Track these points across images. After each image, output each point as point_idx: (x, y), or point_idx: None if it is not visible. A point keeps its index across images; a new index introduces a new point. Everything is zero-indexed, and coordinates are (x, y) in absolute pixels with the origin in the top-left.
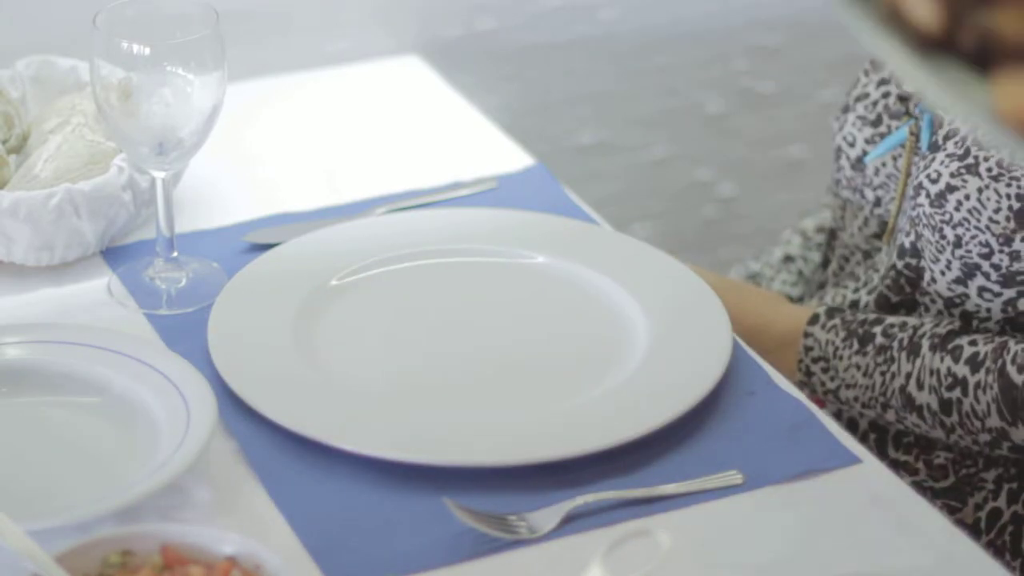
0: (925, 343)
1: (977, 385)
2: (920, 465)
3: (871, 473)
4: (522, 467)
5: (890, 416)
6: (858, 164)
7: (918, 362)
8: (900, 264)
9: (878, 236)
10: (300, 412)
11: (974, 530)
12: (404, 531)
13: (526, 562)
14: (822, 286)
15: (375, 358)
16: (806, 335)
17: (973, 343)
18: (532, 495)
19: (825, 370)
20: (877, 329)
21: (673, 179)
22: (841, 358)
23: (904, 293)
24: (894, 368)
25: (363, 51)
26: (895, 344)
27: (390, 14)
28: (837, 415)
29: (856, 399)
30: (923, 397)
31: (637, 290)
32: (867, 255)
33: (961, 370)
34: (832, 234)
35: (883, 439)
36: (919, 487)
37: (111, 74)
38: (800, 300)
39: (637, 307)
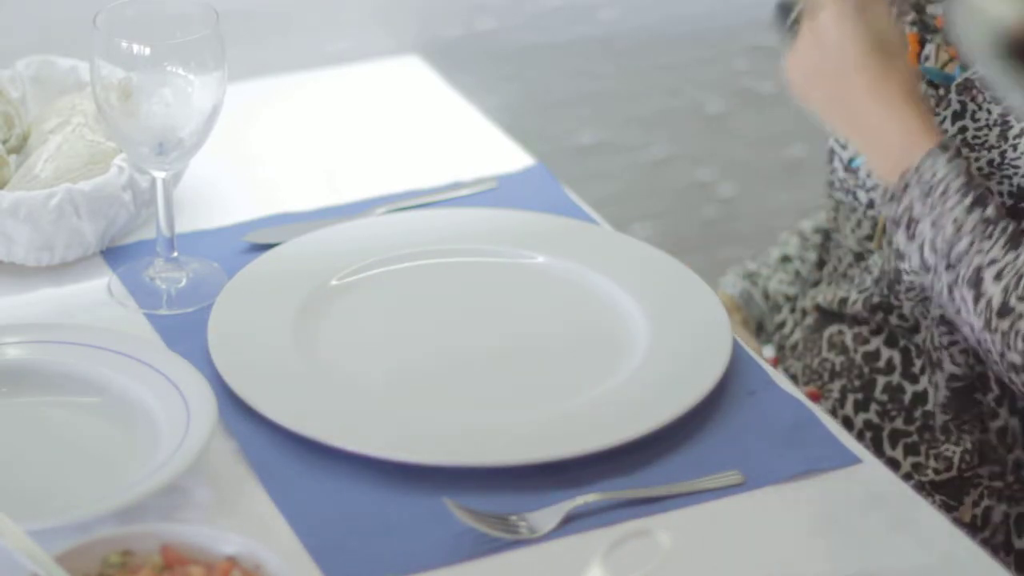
0: None
1: None
2: (910, 469)
3: (871, 473)
4: (522, 467)
5: (945, 278)
6: (850, 166)
7: (1010, 256)
8: (888, 267)
9: (871, 238)
10: (300, 412)
11: (971, 527)
12: (404, 531)
13: (526, 562)
14: (816, 285)
15: (375, 358)
16: (929, 155)
17: None
18: (532, 495)
19: (924, 195)
20: (992, 201)
21: (673, 179)
22: (946, 200)
23: (883, 295)
24: (986, 245)
25: (363, 51)
26: (1000, 226)
27: (390, 14)
28: (832, 412)
29: (932, 242)
30: (991, 288)
31: (637, 290)
32: (859, 257)
33: None
34: (827, 235)
35: (879, 438)
36: (917, 481)
37: (111, 74)
38: (795, 299)
39: (637, 307)
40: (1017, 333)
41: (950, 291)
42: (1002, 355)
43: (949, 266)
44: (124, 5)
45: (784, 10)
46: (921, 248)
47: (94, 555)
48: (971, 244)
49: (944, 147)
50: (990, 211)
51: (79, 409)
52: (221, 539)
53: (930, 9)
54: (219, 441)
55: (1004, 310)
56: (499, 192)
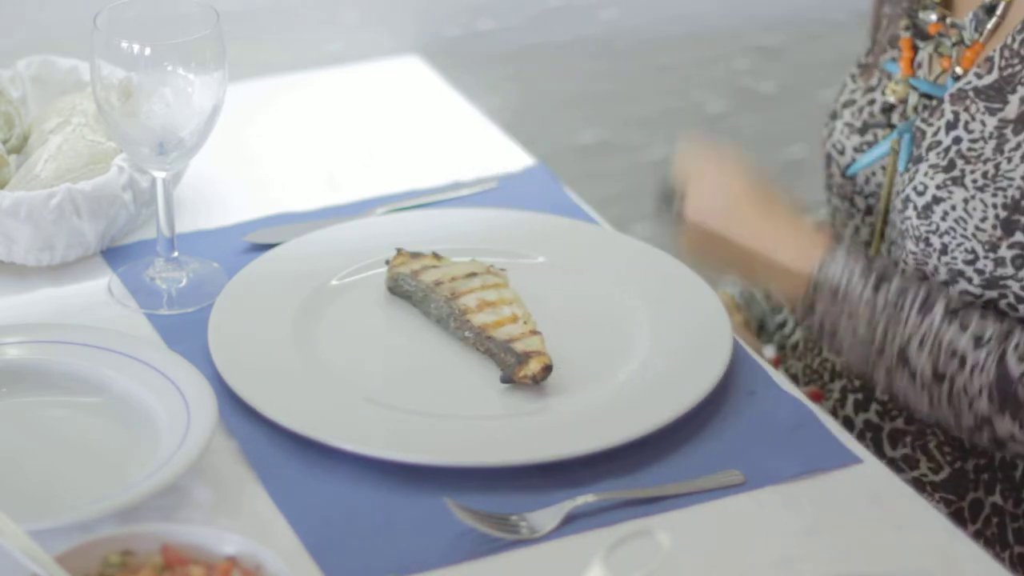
0: (940, 305)
1: (975, 366)
2: (920, 456)
3: (871, 473)
4: (522, 467)
5: (883, 365)
6: (847, 174)
7: (926, 322)
8: None
9: (869, 244)
10: (300, 412)
11: (959, 520)
12: (404, 531)
13: (526, 562)
14: None
15: (375, 358)
16: (827, 253)
17: (983, 317)
18: (532, 495)
19: (833, 293)
20: (895, 272)
21: None
22: (851, 289)
23: None
24: (903, 316)
25: (363, 51)
26: (910, 296)
27: (390, 14)
28: (833, 412)
29: (855, 332)
30: (920, 360)
31: (637, 290)
32: None
33: (964, 345)
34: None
35: (878, 439)
36: (918, 483)
37: (111, 74)
38: None
39: (637, 307)
40: (959, 394)
41: (890, 378)
42: (958, 425)
43: (880, 353)
44: (124, 5)
45: (667, 199)
46: (852, 348)
47: (94, 555)
48: (887, 327)
49: (835, 248)
50: (895, 283)
51: (79, 409)
52: (221, 539)
53: (922, 15)
54: (219, 441)
55: (937, 378)
56: (499, 192)
